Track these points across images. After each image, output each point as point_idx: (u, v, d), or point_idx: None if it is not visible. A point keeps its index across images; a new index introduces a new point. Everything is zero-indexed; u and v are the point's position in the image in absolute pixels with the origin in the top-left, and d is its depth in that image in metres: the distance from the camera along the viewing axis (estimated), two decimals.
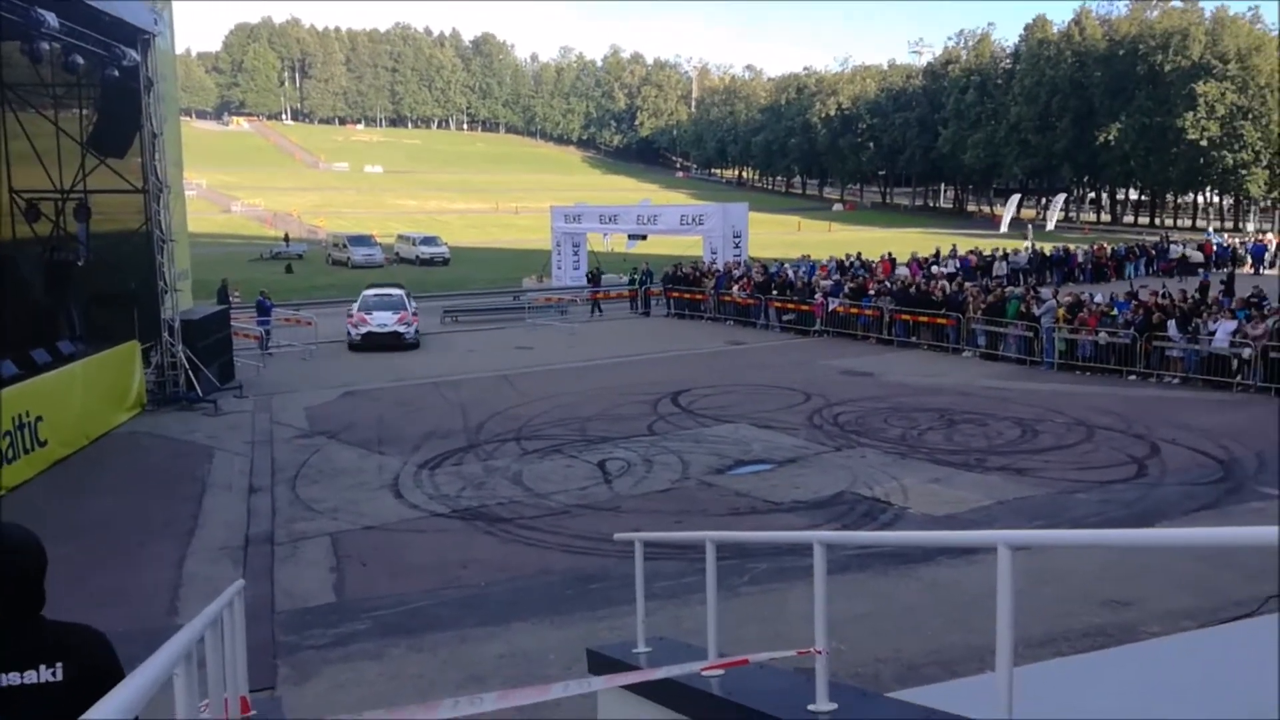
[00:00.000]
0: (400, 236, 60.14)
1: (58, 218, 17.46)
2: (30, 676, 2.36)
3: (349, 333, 24.77)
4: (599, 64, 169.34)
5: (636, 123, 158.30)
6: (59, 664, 2.39)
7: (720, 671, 4.52)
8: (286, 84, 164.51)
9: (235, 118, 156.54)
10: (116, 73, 15.93)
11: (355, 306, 25.67)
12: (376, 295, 26.21)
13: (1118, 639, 7.10)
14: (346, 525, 11.29)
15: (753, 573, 9.20)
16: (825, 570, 4.04)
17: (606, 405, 17.45)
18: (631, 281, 34.25)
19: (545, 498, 12.17)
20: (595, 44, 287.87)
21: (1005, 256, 36.71)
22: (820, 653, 4.04)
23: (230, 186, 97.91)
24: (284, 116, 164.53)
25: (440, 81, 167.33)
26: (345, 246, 55.17)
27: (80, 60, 14.73)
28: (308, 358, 23.83)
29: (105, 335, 16.92)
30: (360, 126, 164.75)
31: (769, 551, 9.47)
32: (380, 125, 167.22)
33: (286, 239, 62.11)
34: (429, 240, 57.56)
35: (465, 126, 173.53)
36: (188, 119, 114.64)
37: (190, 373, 18.07)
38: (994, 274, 32.22)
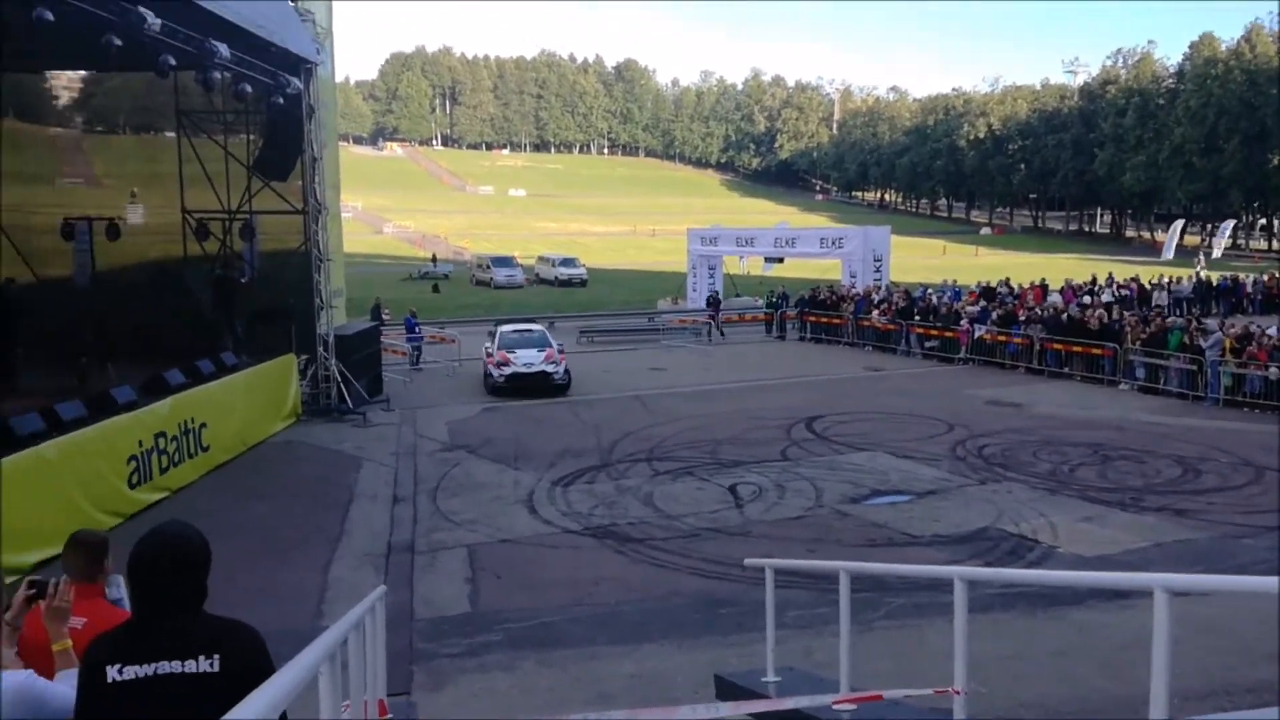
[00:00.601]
0: (540, 258, 61.65)
1: (225, 236, 18.62)
2: (190, 666, 2.51)
3: (489, 374, 21.68)
4: (739, 87, 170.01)
5: (776, 145, 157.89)
6: (216, 656, 2.53)
7: (852, 706, 4.41)
8: (437, 110, 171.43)
9: (389, 143, 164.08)
10: (281, 100, 16.90)
11: (493, 344, 22.44)
12: (516, 331, 23.17)
13: None
14: (483, 538, 11.56)
15: (888, 607, 8.93)
16: (966, 607, 3.89)
17: (739, 429, 17.34)
18: (767, 305, 34.05)
19: (675, 519, 12.16)
20: (736, 67, 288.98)
21: (1168, 285, 34.78)
22: (959, 693, 3.89)
23: (383, 209, 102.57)
24: (434, 142, 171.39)
25: (583, 107, 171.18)
26: (489, 267, 56.92)
27: (249, 89, 15.67)
28: (451, 374, 24.60)
29: (265, 348, 17.88)
30: (505, 151, 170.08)
31: (906, 587, 9.18)
32: (524, 150, 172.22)
33: (434, 259, 64.48)
34: (568, 262, 58.79)
35: (606, 151, 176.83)
36: (345, 144, 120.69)
37: (342, 386, 18.91)
38: (1153, 303, 30.53)
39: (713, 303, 34.78)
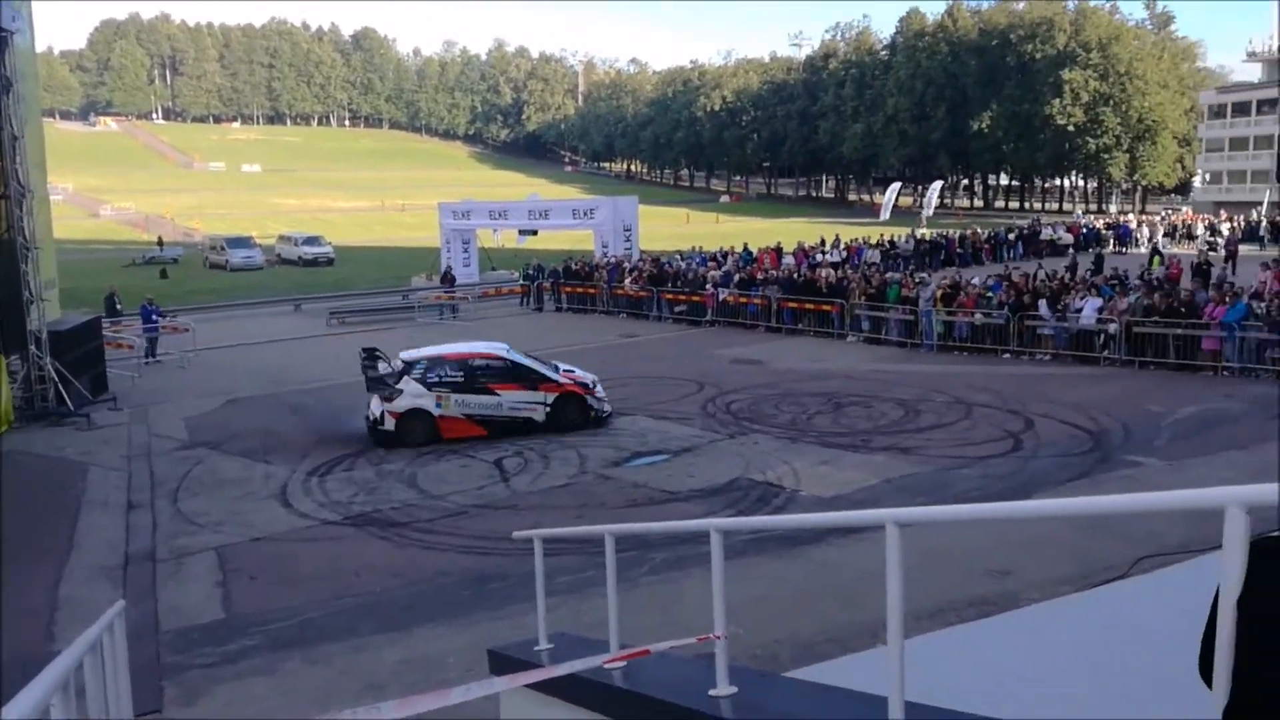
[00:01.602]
0: (281, 237, 58.38)
1: None
2: None
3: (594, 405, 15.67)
4: (483, 58, 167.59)
5: (524, 117, 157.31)
6: None
7: (622, 663, 4.55)
8: (156, 82, 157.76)
9: (102, 118, 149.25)
10: None
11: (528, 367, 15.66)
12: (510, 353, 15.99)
13: (1001, 607, 7.40)
14: (233, 538, 10.93)
15: (651, 563, 9.27)
16: (722, 556, 4.10)
17: None
18: (523, 277, 34.05)
19: (441, 499, 12.02)
20: (478, 38, 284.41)
21: (892, 244, 37.82)
22: (720, 638, 4.10)
23: (99, 190, 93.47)
24: (154, 115, 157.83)
25: (319, 77, 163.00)
26: (223, 249, 53.31)
27: None
28: (187, 366, 22.93)
29: None
30: (236, 124, 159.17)
31: (667, 541, 9.56)
32: (257, 123, 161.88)
33: (160, 243, 59.68)
34: (312, 240, 56.05)
35: (347, 123, 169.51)
36: (51, 120, 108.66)
37: (60, 386, 17.19)
38: (868, 261, 33.05)
39: (448, 279, 34.32)
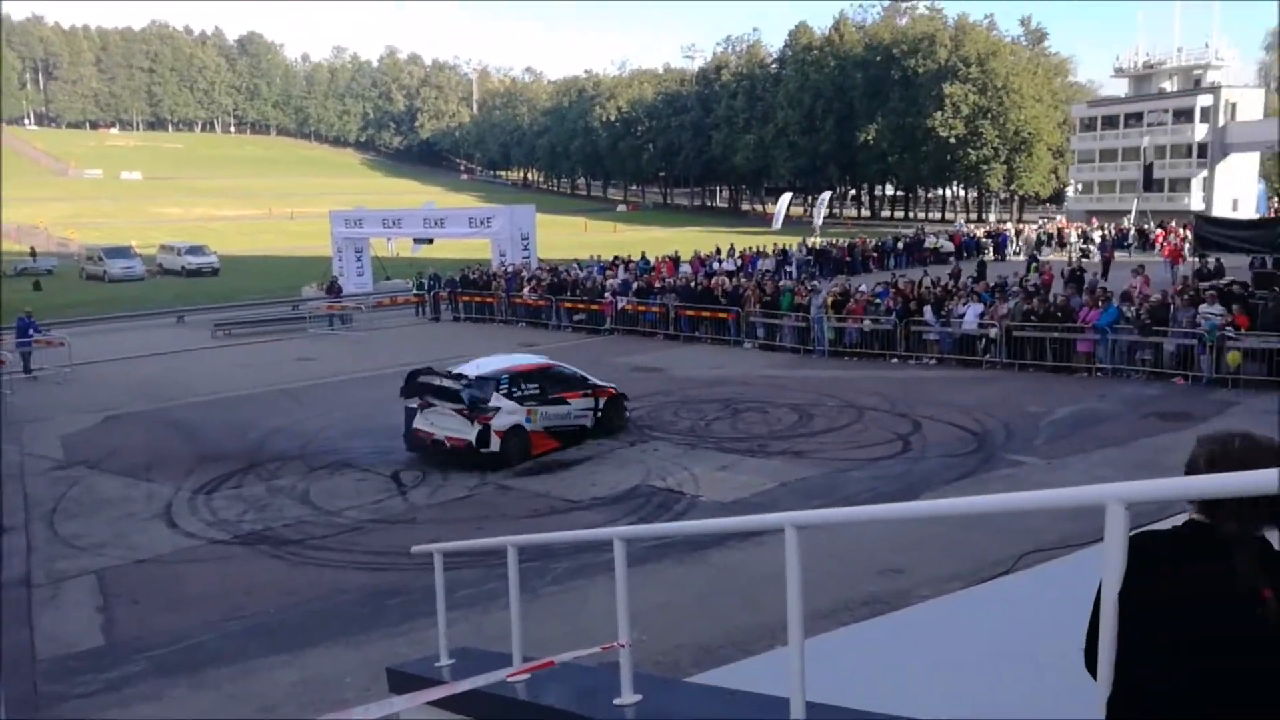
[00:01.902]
0: (163, 246, 56.12)
1: None
2: None
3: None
4: (375, 64, 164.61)
5: (417, 124, 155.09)
6: None
7: (526, 676, 4.52)
8: (29, 86, 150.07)
9: None
10: None
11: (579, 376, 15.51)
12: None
13: (894, 605, 7.62)
14: (115, 560, 10.45)
15: (554, 573, 9.24)
16: (625, 564, 4.12)
17: (399, 414, 16.96)
18: (417, 287, 33.54)
19: (336, 515, 11.73)
20: (369, 44, 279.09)
21: (784, 253, 38.55)
22: (623, 646, 4.12)
23: None
24: (26, 121, 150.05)
25: (203, 82, 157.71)
26: (101, 259, 51.00)
27: None
28: (63, 381, 21.84)
29: None
30: (115, 130, 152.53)
31: (569, 550, 9.54)
32: (137, 129, 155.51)
33: (33, 253, 56.75)
34: (196, 249, 54.08)
35: (232, 129, 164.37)
36: None
37: None
38: (761, 269, 33.61)
39: (334, 289, 33.56)
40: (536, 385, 14.52)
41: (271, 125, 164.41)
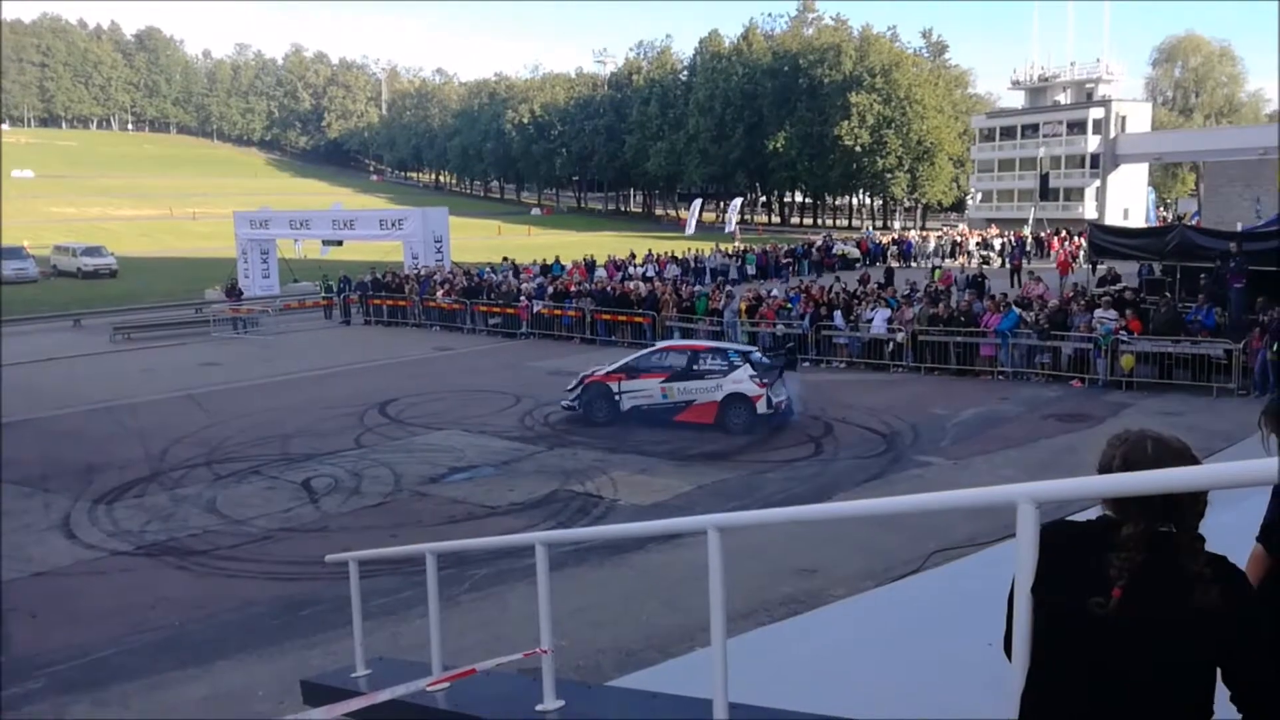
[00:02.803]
0: (57, 247, 53.74)
1: None
2: None
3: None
4: (280, 63, 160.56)
5: (324, 124, 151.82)
6: None
7: (447, 685, 4.49)
8: None
9: None
10: None
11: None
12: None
13: (810, 605, 7.79)
14: (10, 574, 9.98)
15: (472, 579, 9.17)
16: (548, 570, 4.13)
17: (309, 420, 16.64)
18: (325, 289, 32.87)
19: (244, 524, 11.43)
20: (273, 42, 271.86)
21: (696, 259, 38.94)
22: (545, 652, 4.13)
23: None
24: None
25: (99, 78, 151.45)
26: None
27: None
28: None
29: None
30: (5, 127, 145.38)
31: (487, 557, 9.48)
32: (29, 125, 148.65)
33: None
34: (92, 250, 51.94)
35: (130, 127, 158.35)
36: None
37: None
38: (665, 274, 33.89)
39: (233, 292, 32.67)
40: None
41: (172, 123, 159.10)
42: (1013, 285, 29.55)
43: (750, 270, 38.13)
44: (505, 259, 37.66)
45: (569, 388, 16.41)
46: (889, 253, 44.84)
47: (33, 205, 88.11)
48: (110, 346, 26.70)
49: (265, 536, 10.98)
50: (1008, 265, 37.03)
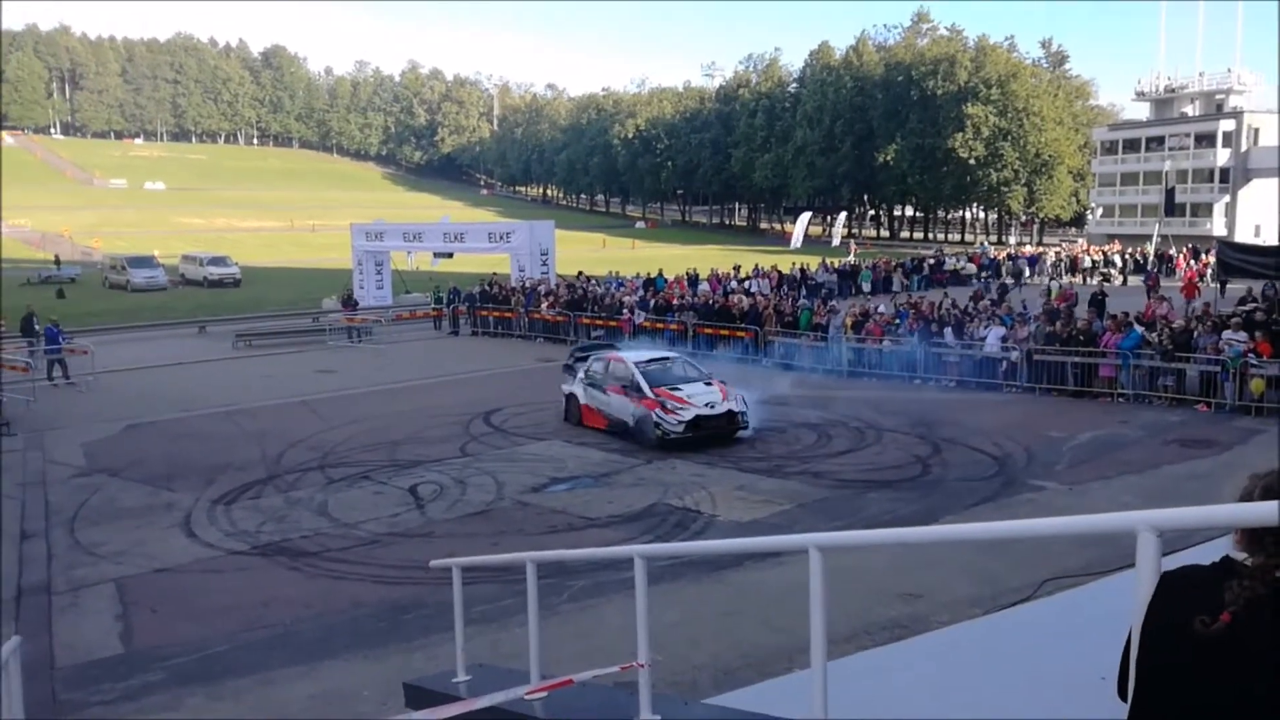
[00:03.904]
0: (185, 257, 56.65)
1: None
2: None
3: (659, 423, 15.21)
4: (396, 79, 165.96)
5: (438, 139, 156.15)
6: None
7: (544, 694, 4.51)
8: (55, 95, 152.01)
9: None
10: None
11: (604, 380, 16.76)
12: (653, 362, 16.98)
13: (913, 630, 7.57)
14: (134, 569, 10.51)
15: (571, 590, 9.22)
16: (646, 583, 4.11)
17: (416, 428, 17.06)
18: (435, 300, 33.70)
19: (354, 527, 11.76)
20: (391, 59, 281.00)
21: (803, 272, 38.56)
22: (643, 666, 4.11)
23: None
24: (53, 130, 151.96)
25: (227, 94, 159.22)
26: (124, 268, 51.49)
27: None
28: (86, 390, 22.05)
29: None
30: (139, 141, 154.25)
31: (587, 568, 9.53)
32: (161, 139, 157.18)
33: (57, 261, 57.46)
34: (218, 260, 54.52)
35: (255, 141, 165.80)
36: None
37: None
38: (784, 288, 33.71)
39: (350, 303, 33.62)
40: None
41: (294, 138, 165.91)
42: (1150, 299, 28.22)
43: (865, 286, 37.46)
44: (610, 272, 37.98)
45: (678, 418, 15.27)
46: (1004, 269, 43.51)
47: (163, 216, 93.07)
48: (232, 353, 27.92)
49: (373, 540, 11.28)
50: (1130, 283, 35.50)
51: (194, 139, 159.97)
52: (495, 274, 34.83)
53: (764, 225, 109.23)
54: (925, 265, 42.17)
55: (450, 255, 37.49)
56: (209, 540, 11.45)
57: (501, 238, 35.97)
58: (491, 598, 8.81)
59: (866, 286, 37.74)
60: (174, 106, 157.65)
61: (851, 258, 44.59)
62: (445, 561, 6.48)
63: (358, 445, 15.94)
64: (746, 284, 34.27)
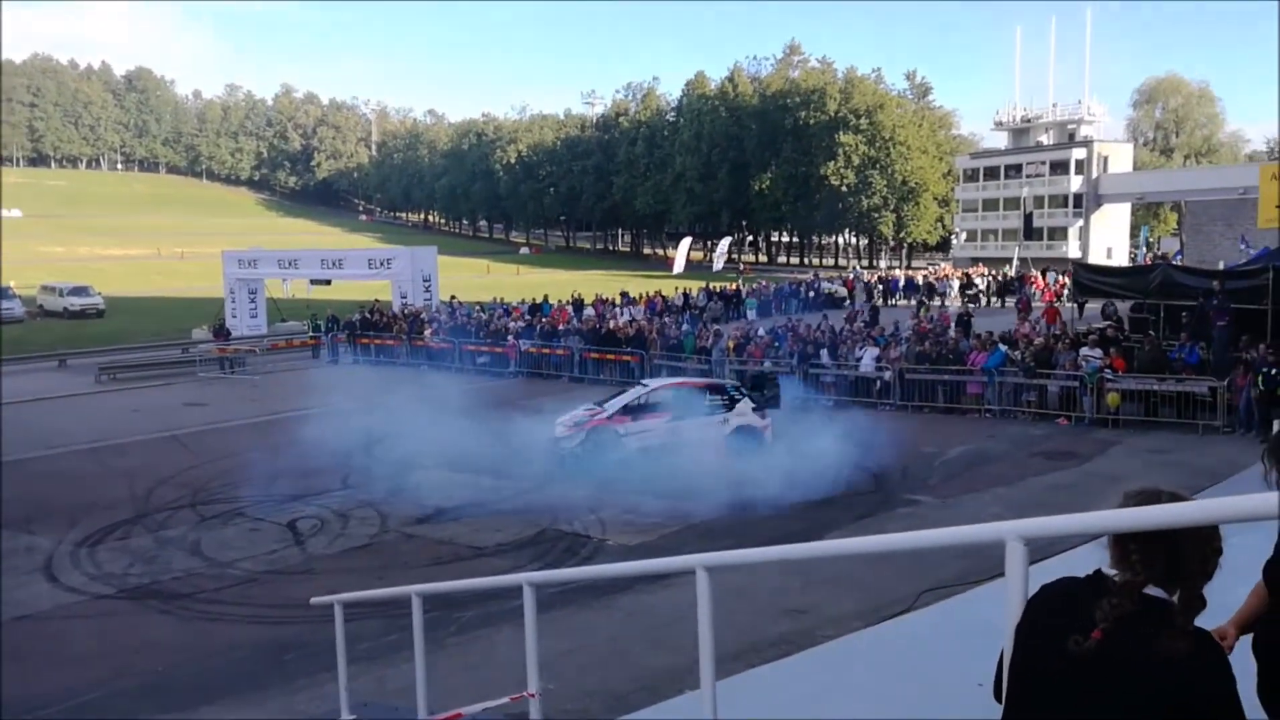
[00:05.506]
0: (44, 287, 53.64)
1: None
2: None
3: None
4: (269, 103, 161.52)
5: (314, 164, 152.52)
6: None
7: None
8: None
9: None
10: None
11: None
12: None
13: (800, 645, 7.73)
14: None
15: (459, 621, 9.09)
16: (535, 611, 4.11)
17: (294, 461, 16.50)
18: (313, 328, 32.82)
19: (229, 566, 11.32)
20: (264, 83, 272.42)
21: (686, 297, 39.12)
22: (533, 696, 4.10)
23: None
24: None
25: (89, 118, 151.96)
26: None
27: None
28: None
29: None
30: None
31: (473, 598, 9.40)
32: (18, 165, 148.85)
33: None
34: (79, 290, 51.82)
35: (120, 166, 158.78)
36: None
37: None
38: (664, 316, 34.11)
39: (221, 333, 32.46)
40: None
41: (161, 163, 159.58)
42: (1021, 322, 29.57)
43: (751, 314, 38.21)
44: (494, 298, 37.73)
45: (567, 432, 15.96)
46: (874, 291, 45.07)
47: (21, 245, 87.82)
48: (96, 387, 26.58)
49: (250, 579, 10.88)
50: (993, 304, 37.28)
51: (53, 164, 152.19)
52: (377, 301, 34.17)
53: (647, 250, 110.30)
54: (801, 289, 43.36)
55: (328, 282, 36.60)
56: (72, 584, 10.84)
57: (382, 264, 35.33)
58: (377, 634, 8.61)
59: (752, 313, 38.54)
60: (31, 131, 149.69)
61: (741, 281, 45.54)
62: (327, 598, 6.32)
63: (232, 480, 15.35)
64: (617, 311, 34.56)
